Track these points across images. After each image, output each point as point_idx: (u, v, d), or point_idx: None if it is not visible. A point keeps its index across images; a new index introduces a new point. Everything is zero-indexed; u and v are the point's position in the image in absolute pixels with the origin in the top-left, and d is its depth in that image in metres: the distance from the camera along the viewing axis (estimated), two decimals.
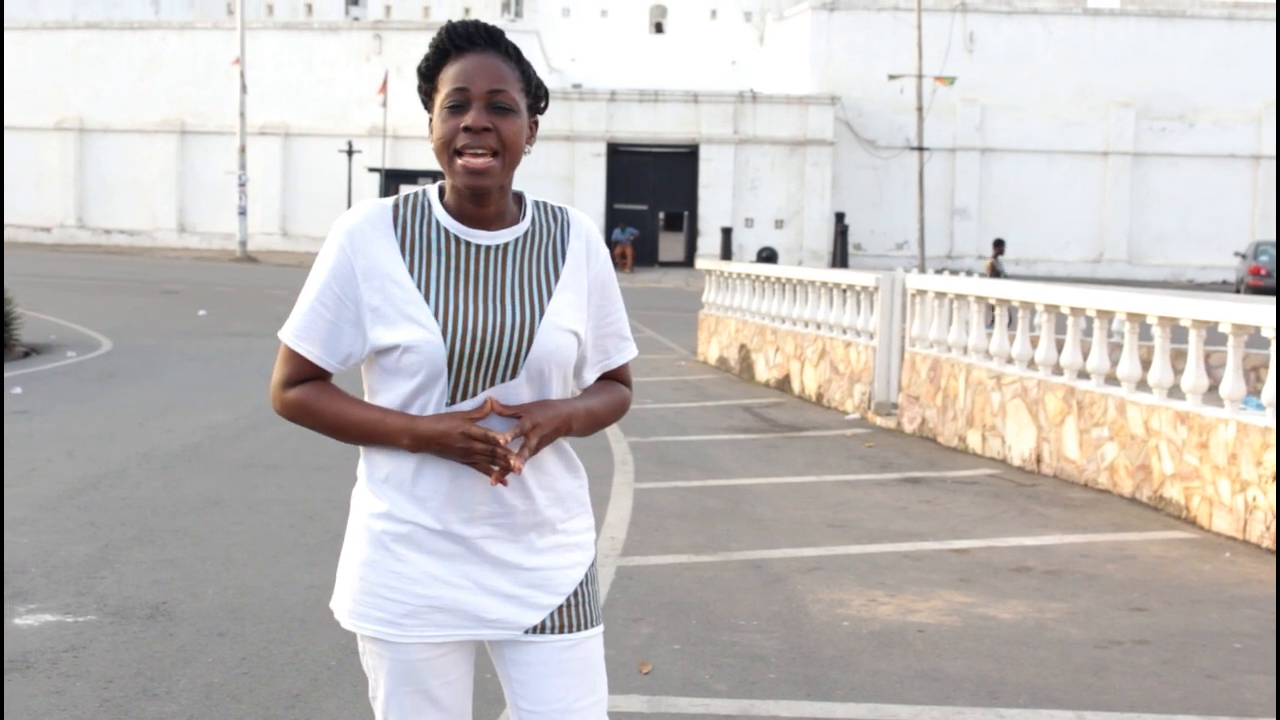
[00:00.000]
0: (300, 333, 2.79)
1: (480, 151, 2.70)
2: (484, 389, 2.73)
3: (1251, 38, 55.59)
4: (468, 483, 2.75)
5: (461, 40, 2.74)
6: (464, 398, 2.72)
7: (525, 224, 2.83)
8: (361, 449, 2.85)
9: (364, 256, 2.74)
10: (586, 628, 2.89)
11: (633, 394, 3.08)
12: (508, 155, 2.73)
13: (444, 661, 2.83)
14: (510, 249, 2.80)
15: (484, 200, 2.76)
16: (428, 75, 2.78)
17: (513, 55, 2.77)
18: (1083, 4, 58.19)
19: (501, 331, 2.72)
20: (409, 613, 2.77)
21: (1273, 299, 9.86)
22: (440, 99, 2.74)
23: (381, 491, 2.79)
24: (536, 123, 2.84)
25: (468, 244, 2.77)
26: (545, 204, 2.90)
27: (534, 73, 2.81)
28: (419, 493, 2.75)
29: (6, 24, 61.98)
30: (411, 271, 2.73)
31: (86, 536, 8.28)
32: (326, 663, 5.92)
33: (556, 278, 2.83)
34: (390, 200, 2.80)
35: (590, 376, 2.95)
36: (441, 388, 2.72)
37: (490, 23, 2.81)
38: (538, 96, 2.82)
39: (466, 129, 2.70)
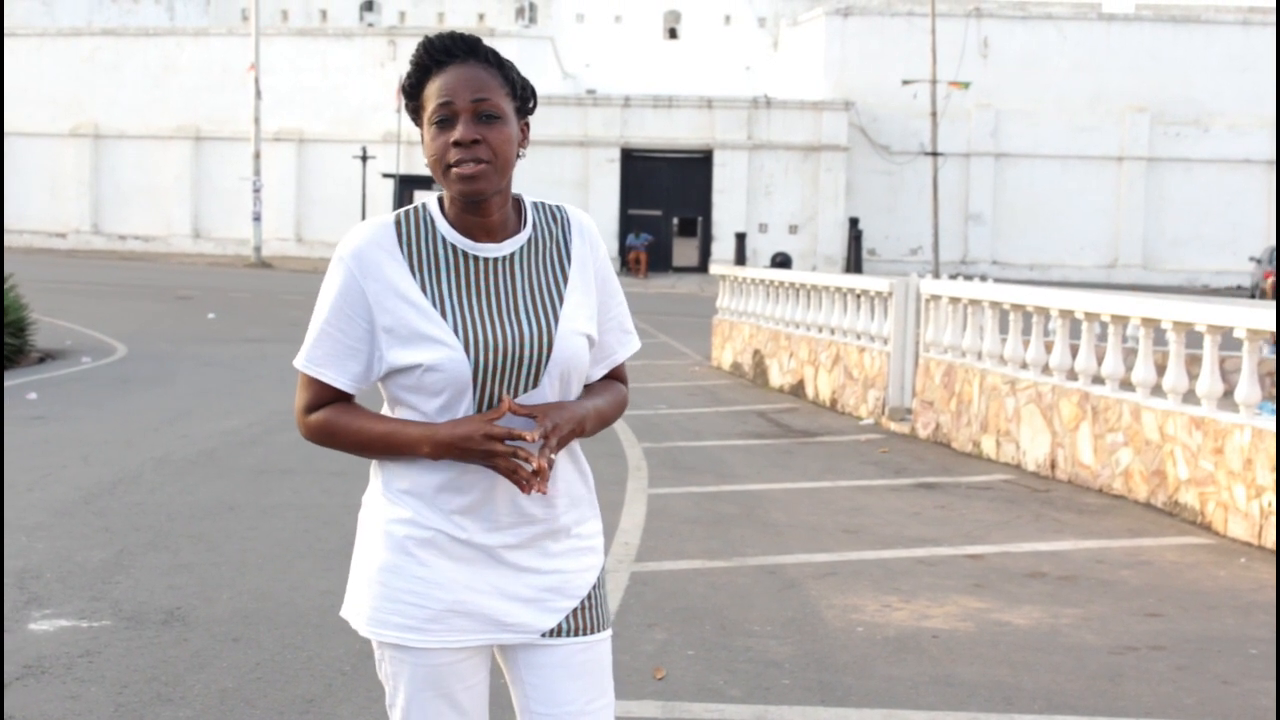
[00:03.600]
0: (316, 359, 2.80)
1: (470, 163, 2.71)
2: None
3: (1266, 43, 55.44)
4: (490, 496, 2.76)
5: (440, 54, 2.75)
6: (489, 409, 2.74)
7: (527, 230, 2.84)
8: (375, 461, 2.86)
9: (373, 279, 2.75)
10: (599, 630, 2.92)
11: (630, 392, 3.09)
12: (499, 161, 2.73)
13: (464, 666, 2.84)
14: (517, 258, 2.81)
15: (484, 208, 2.77)
16: (412, 93, 2.79)
17: (493, 62, 2.78)
18: (1097, 9, 58.17)
19: (521, 342, 2.74)
20: (431, 618, 2.77)
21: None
22: (427, 115, 2.76)
23: (402, 500, 2.79)
24: (528, 125, 2.84)
25: (475, 258, 2.78)
26: (543, 205, 2.91)
27: (518, 76, 2.82)
28: (441, 505, 2.76)
29: (23, 31, 62.30)
30: (424, 290, 2.74)
31: (101, 542, 8.30)
32: (340, 668, 5.93)
33: (565, 280, 2.84)
34: (391, 218, 2.80)
35: (597, 373, 2.96)
36: (467, 403, 2.73)
37: (470, 32, 2.82)
38: (525, 99, 2.82)
39: (456, 143, 2.71)
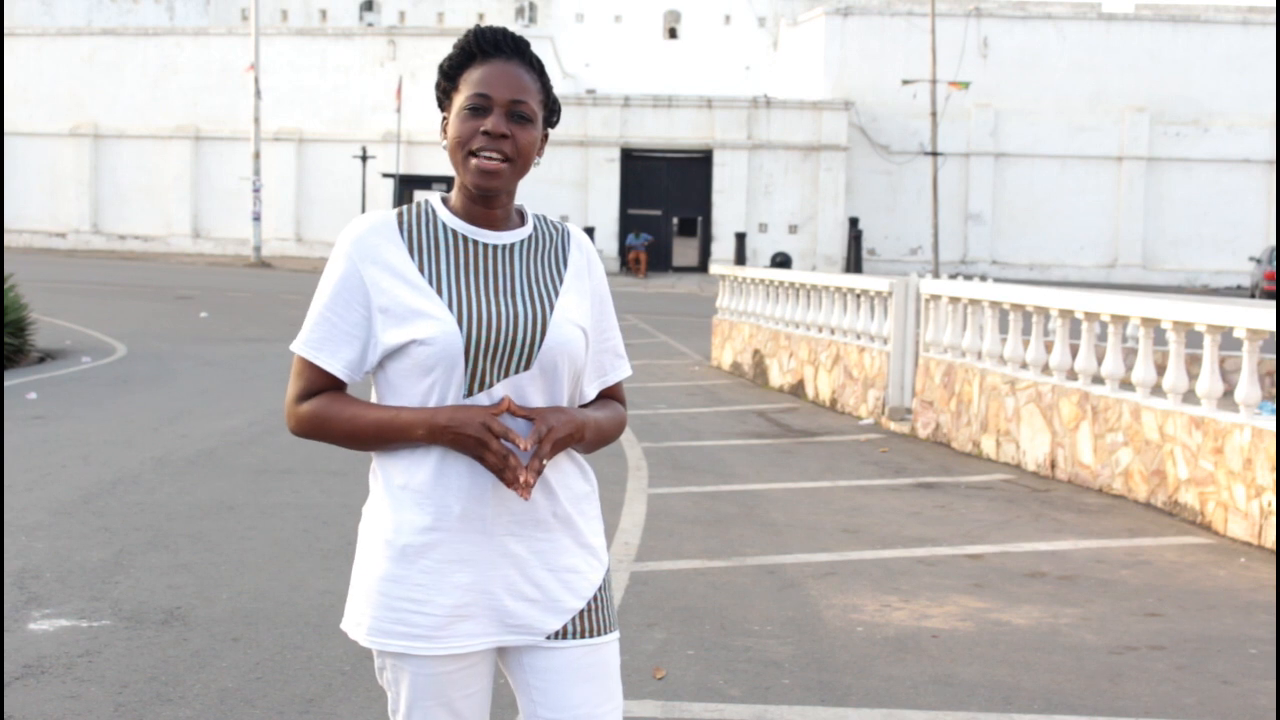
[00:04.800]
0: (315, 343, 2.80)
1: (494, 155, 2.74)
2: (499, 380, 2.74)
3: (1266, 42, 55.47)
4: (488, 481, 2.74)
5: (488, 46, 2.79)
6: (480, 389, 2.73)
7: (528, 229, 2.87)
8: (375, 460, 2.85)
9: (372, 263, 2.76)
10: (605, 632, 2.90)
11: (628, 410, 3.09)
12: (520, 162, 2.78)
13: (467, 673, 2.82)
14: (516, 250, 2.83)
15: (491, 202, 2.80)
16: (450, 75, 2.82)
17: (536, 67, 2.83)
18: (1096, 9, 58.16)
19: (515, 322, 2.74)
20: (435, 625, 2.76)
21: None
22: (460, 100, 2.78)
23: (400, 501, 2.77)
24: (547, 135, 2.88)
25: (475, 242, 2.80)
26: (544, 217, 2.94)
27: (551, 86, 2.86)
28: (439, 496, 2.74)
29: (23, 31, 62.31)
30: (422, 270, 2.75)
31: (101, 541, 8.30)
32: (340, 668, 5.93)
33: (561, 280, 2.86)
34: (393, 211, 2.84)
35: (590, 392, 2.96)
36: (458, 381, 2.72)
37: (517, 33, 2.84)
38: (552, 110, 2.87)
39: (485, 133, 2.74)
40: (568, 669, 2.84)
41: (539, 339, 2.76)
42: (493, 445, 2.67)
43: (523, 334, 2.74)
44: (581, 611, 2.86)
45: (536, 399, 2.78)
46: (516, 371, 2.75)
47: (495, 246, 2.81)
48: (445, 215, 2.81)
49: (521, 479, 2.68)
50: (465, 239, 2.80)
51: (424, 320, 2.71)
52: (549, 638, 2.83)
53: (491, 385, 2.74)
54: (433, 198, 2.86)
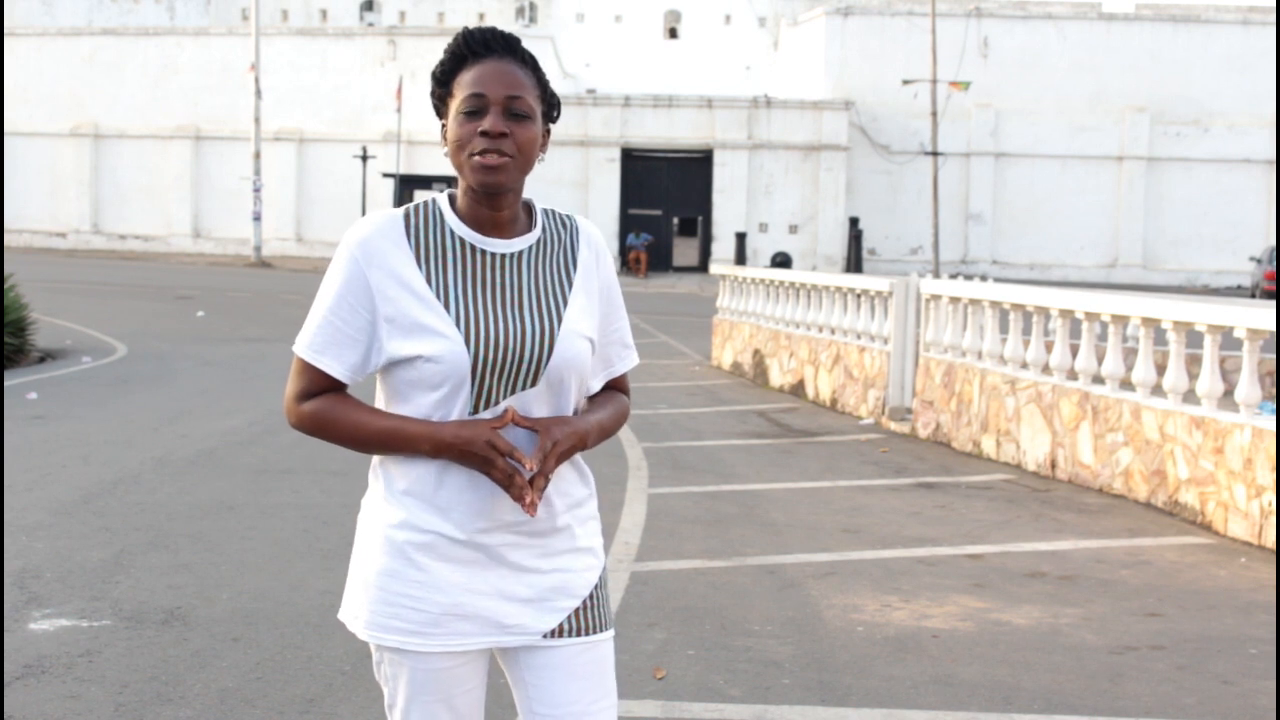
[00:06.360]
0: (317, 346, 2.78)
1: (494, 154, 2.71)
2: (505, 397, 2.73)
3: (1266, 42, 55.46)
4: (489, 491, 2.74)
5: (479, 46, 2.75)
6: (486, 406, 2.72)
7: (537, 231, 2.84)
8: (376, 461, 2.84)
9: (378, 268, 2.73)
10: (600, 631, 2.91)
11: (631, 401, 3.09)
12: (521, 159, 2.74)
13: (464, 670, 2.83)
14: (525, 256, 2.81)
15: (497, 202, 2.76)
16: (443, 80, 2.79)
17: (529, 63, 2.79)
18: (1097, 9, 58.16)
19: (522, 339, 2.73)
20: (431, 622, 2.76)
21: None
22: (456, 104, 2.75)
23: (401, 502, 2.77)
24: (549, 132, 2.84)
25: (483, 252, 2.77)
26: (553, 212, 2.91)
27: (548, 82, 2.83)
28: (440, 503, 2.75)
29: (23, 31, 62.33)
30: (429, 281, 2.73)
31: (101, 541, 8.30)
32: (341, 668, 5.93)
33: (570, 285, 2.83)
34: (400, 210, 2.80)
35: (596, 385, 2.96)
36: (465, 398, 2.71)
37: (506, 30, 2.82)
38: (551, 105, 2.83)
39: (484, 133, 2.71)
40: (563, 666, 2.85)
41: (546, 356, 2.74)
42: (498, 463, 2.67)
43: (530, 351, 2.73)
44: (577, 610, 2.87)
45: (541, 410, 2.78)
46: (523, 388, 2.74)
47: (503, 256, 2.78)
48: (453, 220, 2.78)
49: (528, 499, 2.69)
50: (473, 249, 2.77)
51: (431, 337, 2.69)
52: (545, 636, 2.84)
53: (497, 401, 2.73)
54: (440, 198, 2.82)
